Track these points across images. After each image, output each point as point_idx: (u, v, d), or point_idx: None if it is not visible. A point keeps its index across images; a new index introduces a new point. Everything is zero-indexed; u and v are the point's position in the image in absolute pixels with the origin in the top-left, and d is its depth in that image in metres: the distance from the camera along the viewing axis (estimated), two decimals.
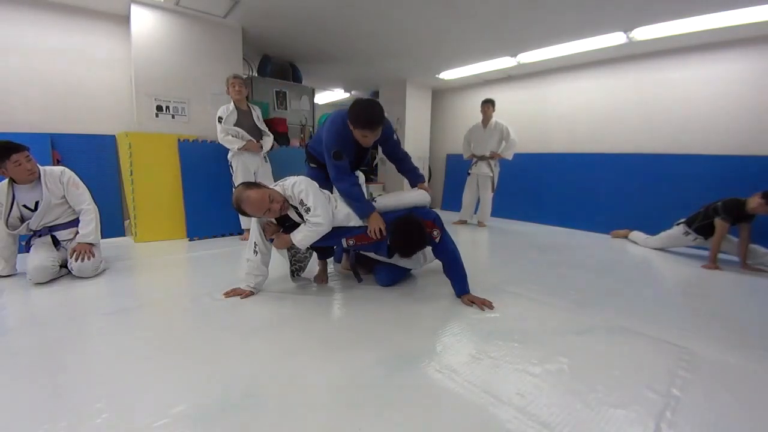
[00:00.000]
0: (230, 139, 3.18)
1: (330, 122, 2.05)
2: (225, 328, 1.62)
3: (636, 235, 3.69)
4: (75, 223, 2.31)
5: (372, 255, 2.17)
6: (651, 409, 1.12)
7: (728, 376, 1.33)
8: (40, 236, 2.24)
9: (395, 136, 2.21)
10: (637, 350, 1.51)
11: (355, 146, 2.04)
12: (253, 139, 3.24)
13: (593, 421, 1.06)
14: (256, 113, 3.37)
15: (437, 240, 1.98)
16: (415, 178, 2.33)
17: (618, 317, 1.82)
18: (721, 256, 2.93)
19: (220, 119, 3.16)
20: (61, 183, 2.22)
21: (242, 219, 3.29)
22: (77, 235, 2.26)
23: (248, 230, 3.08)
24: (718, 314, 1.99)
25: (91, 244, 2.25)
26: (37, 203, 2.16)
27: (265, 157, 3.42)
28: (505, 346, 1.49)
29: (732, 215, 2.80)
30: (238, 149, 3.17)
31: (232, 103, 3.22)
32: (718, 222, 2.84)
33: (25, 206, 2.17)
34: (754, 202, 2.73)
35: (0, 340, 1.45)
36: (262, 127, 3.40)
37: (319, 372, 1.29)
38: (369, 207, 1.98)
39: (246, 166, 3.26)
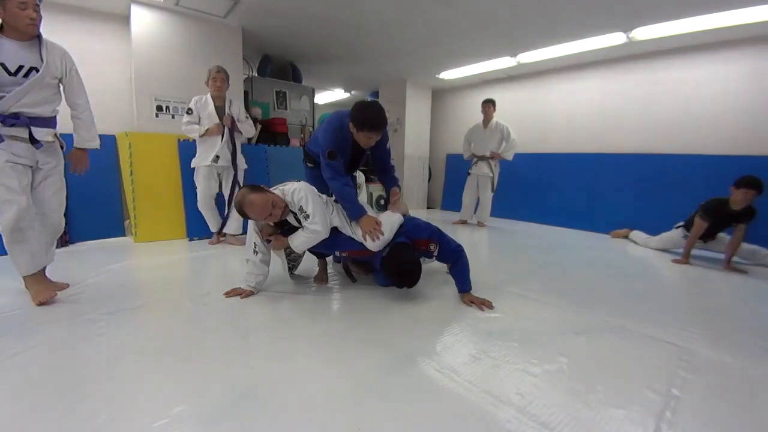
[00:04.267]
0: (192, 127, 2.96)
1: (327, 122, 2.06)
2: (225, 328, 1.62)
3: (636, 234, 3.69)
4: (53, 122, 1.87)
5: None
6: (651, 409, 1.12)
7: (728, 376, 1.33)
8: (12, 125, 1.69)
9: (388, 145, 2.23)
10: (637, 350, 1.51)
11: (352, 148, 2.05)
12: (217, 124, 2.94)
13: (593, 421, 1.06)
14: (233, 105, 3.08)
15: (435, 253, 1.98)
16: (393, 182, 2.30)
17: (618, 317, 1.82)
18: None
19: (189, 111, 2.95)
20: (62, 63, 1.83)
21: (210, 223, 3.16)
22: (78, 138, 1.91)
23: (216, 234, 3.11)
24: (718, 314, 1.99)
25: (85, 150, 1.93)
26: (20, 69, 1.69)
27: (233, 155, 3.06)
28: (505, 346, 1.49)
29: (710, 214, 2.79)
30: (199, 136, 2.95)
31: (208, 95, 3.00)
32: (696, 220, 2.86)
33: (2, 65, 1.65)
34: (733, 195, 2.71)
35: (0, 340, 1.45)
36: (240, 118, 3.11)
37: (319, 372, 1.29)
38: (360, 210, 1.98)
39: (209, 171, 3.03)
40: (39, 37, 1.76)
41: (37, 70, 1.71)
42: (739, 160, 3.48)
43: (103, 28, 3.37)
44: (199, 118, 2.98)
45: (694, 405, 1.15)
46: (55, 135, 1.88)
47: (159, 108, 3.41)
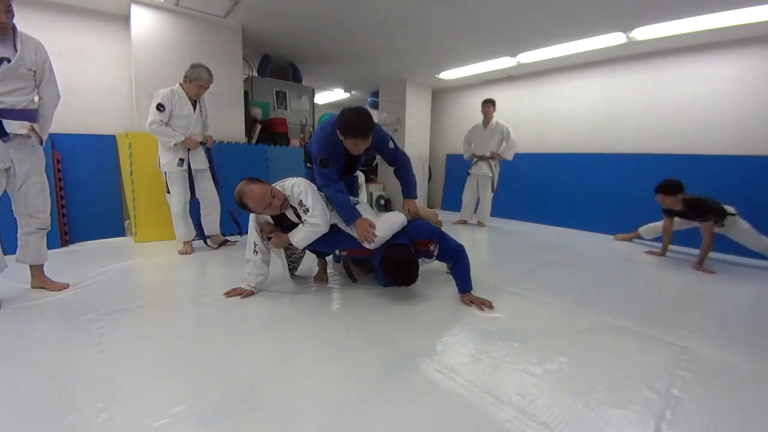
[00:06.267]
0: (166, 130, 2.67)
1: (320, 129, 2.06)
2: (225, 328, 1.62)
3: (644, 229, 3.62)
4: (30, 115, 1.82)
5: None
6: (651, 409, 1.12)
7: (728, 376, 1.33)
8: None
9: (391, 144, 2.14)
10: (637, 350, 1.51)
11: (345, 153, 2.02)
12: (192, 138, 2.76)
13: (593, 421, 1.06)
14: (201, 108, 2.90)
15: (435, 253, 1.99)
16: (406, 192, 2.21)
17: (618, 317, 1.82)
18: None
19: (160, 107, 2.63)
20: (36, 55, 1.81)
21: (177, 230, 2.89)
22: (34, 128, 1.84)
23: (186, 243, 2.88)
24: (718, 314, 1.99)
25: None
26: None
27: (207, 158, 2.95)
28: (505, 346, 1.49)
29: (664, 211, 3.04)
30: (174, 145, 2.70)
31: (181, 92, 2.74)
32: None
33: None
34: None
35: (0, 340, 1.45)
36: (204, 122, 2.96)
37: (319, 372, 1.29)
38: (353, 214, 1.96)
39: (183, 175, 2.82)
40: (14, 30, 1.76)
41: (9, 61, 1.71)
42: (739, 160, 3.48)
43: (103, 28, 3.37)
44: (169, 116, 2.70)
45: (694, 405, 1.15)
46: (32, 128, 1.82)
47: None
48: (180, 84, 2.77)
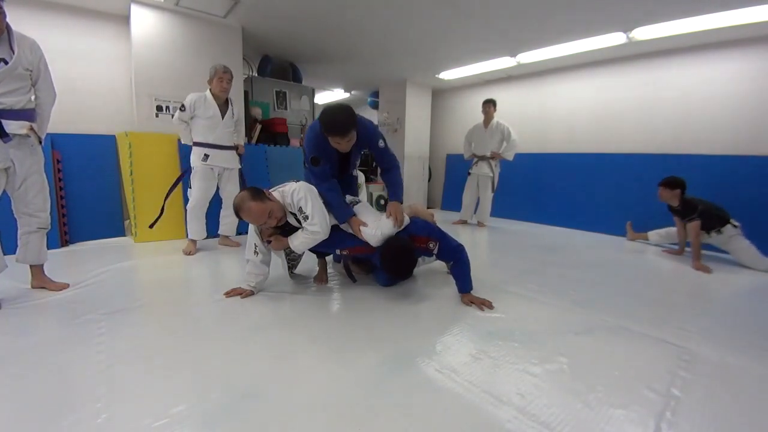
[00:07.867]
0: (184, 131, 2.86)
1: (310, 128, 2.06)
2: (225, 328, 1.62)
3: (652, 234, 3.63)
4: (28, 115, 1.83)
5: None
6: (651, 409, 1.12)
7: (728, 376, 1.33)
8: None
9: (381, 144, 2.09)
10: (637, 350, 1.51)
11: (336, 152, 2.02)
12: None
13: (593, 421, 1.06)
14: (233, 109, 2.99)
15: (434, 251, 1.99)
16: (391, 195, 2.17)
17: (618, 317, 1.82)
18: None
19: (182, 107, 2.78)
20: (32, 54, 1.81)
21: (189, 227, 2.91)
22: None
23: (191, 241, 2.92)
24: (718, 314, 1.99)
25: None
26: None
27: (239, 156, 3.08)
28: (505, 346, 1.49)
29: (670, 211, 3.12)
30: (183, 142, 2.91)
31: (209, 94, 2.84)
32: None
33: None
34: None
35: (0, 340, 1.45)
36: (236, 126, 3.07)
37: (319, 372, 1.29)
38: (345, 213, 1.98)
39: (209, 171, 2.90)
40: (9, 30, 1.76)
41: (6, 62, 1.71)
42: (740, 160, 3.48)
43: (103, 28, 3.37)
44: (191, 117, 2.82)
45: (694, 405, 1.15)
46: (31, 128, 1.83)
47: (159, 108, 3.41)
48: (210, 89, 2.87)
